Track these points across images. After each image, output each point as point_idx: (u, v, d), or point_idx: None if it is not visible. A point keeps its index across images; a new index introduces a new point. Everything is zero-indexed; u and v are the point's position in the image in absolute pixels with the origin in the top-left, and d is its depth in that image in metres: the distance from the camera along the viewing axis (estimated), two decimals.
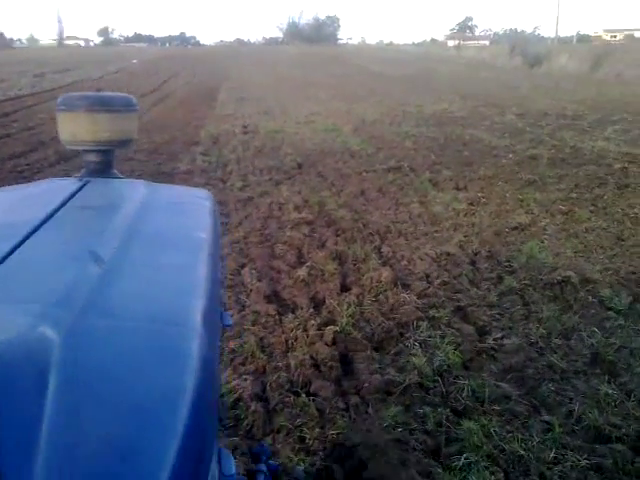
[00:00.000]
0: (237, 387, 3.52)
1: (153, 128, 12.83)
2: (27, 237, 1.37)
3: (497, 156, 10.25)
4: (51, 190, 2.00)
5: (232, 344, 4.05)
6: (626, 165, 9.47)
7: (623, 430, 3.14)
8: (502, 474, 2.79)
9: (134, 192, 1.94)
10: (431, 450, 3.01)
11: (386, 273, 5.07)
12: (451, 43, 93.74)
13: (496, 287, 4.98)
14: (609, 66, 31.59)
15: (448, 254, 5.66)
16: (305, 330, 4.22)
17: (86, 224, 1.65)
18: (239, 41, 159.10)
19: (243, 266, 5.39)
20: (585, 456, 2.93)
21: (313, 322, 4.31)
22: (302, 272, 5.14)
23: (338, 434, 3.11)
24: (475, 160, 9.86)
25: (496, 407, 3.36)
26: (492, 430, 3.11)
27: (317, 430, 3.16)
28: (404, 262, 5.50)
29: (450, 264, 5.47)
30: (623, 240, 6.12)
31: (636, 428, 3.16)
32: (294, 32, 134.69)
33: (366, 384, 3.55)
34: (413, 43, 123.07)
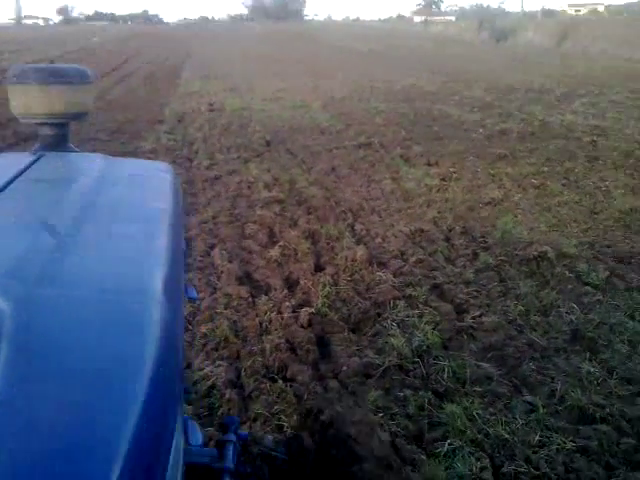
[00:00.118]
0: (210, 374, 3.38)
1: (116, 107, 12.49)
2: None
3: (467, 131, 10.18)
4: (3, 164, 1.94)
5: (204, 328, 3.90)
6: (595, 138, 9.47)
7: (607, 410, 3.08)
8: (488, 460, 2.71)
9: (91, 165, 1.91)
10: (414, 435, 2.92)
11: (361, 252, 4.95)
12: (417, 19, 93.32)
13: (472, 264, 4.90)
14: (575, 40, 31.77)
15: (422, 231, 5.56)
16: (279, 312, 4.09)
17: (40, 196, 1.62)
18: (203, 19, 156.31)
19: (213, 247, 5.23)
20: (570, 438, 2.86)
21: (287, 304, 4.18)
22: (274, 252, 5.00)
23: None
24: (445, 135, 9.77)
25: (478, 388, 3.28)
26: (475, 413, 3.02)
27: (295, 417, 3.05)
28: (378, 240, 5.39)
29: (425, 241, 5.38)
30: (596, 214, 6.09)
31: (620, 407, 3.10)
32: (259, 9, 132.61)
33: (344, 367, 3.44)
34: (379, 19, 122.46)
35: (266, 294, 4.37)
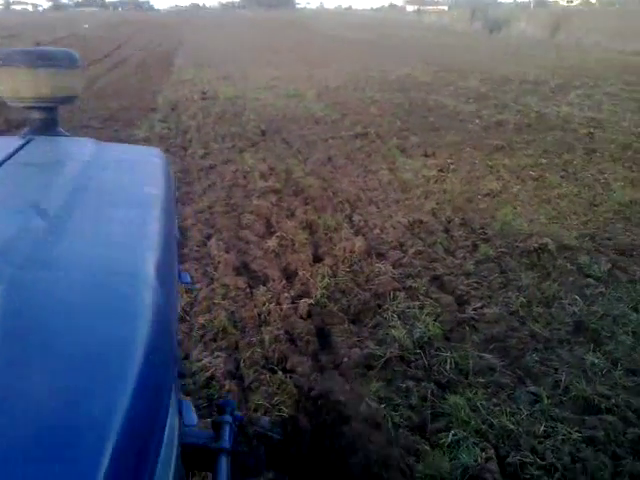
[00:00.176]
0: (209, 365, 3.32)
1: (108, 94, 12.35)
2: None
3: (463, 121, 10.12)
4: None
5: (201, 319, 3.84)
6: (592, 130, 9.44)
7: (612, 400, 3.04)
8: (492, 450, 2.66)
9: (81, 149, 1.91)
10: (417, 426, 2.87)
11: (359, 243, 4.89)
12: (410, 8, 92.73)
13: (472, 255, 4.85)
14: (568, 32, 31.72)
15: (421, 222, 5.51)
16: (278, 303, 4.03)
17: (29, 180, 1.60)
18: (195, 5, 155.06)
19: (209, 237, 5.15)
20: (576, 428, 2.82)
21: (286, 295, 4.12)
22: (272, 243, 4.93)
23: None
24: (442, 126, 9.70)
25: (481, 379, 3.23)
26: (479, 404, 2.98)
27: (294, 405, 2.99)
28: (377, 231, 5.33)
29: (424, 232, 5.32)
30: (596, 206, 6.05)
31: (625, 398, 3.07)
32: None
33: (345, 359, 3.39)
34: (372, 8, 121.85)
35: (264, 285, 4.31)
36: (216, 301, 4.06)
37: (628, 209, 5.91)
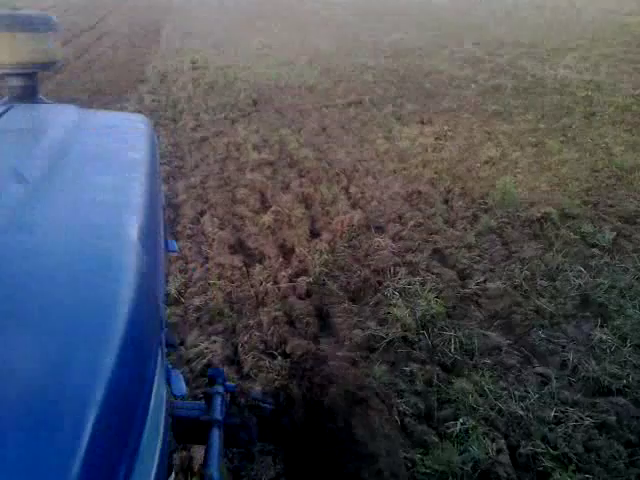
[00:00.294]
0: (205, 350, 3.20)
1: (95, 67, 12.03)
2: None
3: (459, 87, 9.89)
4: None
5: (197, 301, 3.72)
6: (590, 93, 9.23)
7: (623, 381, 2.95)
8: (503, 440, 2.57)
9: (63, 116, 1.88)
10: (423, 414, 2.77)
11: (357, 216, 4.76)
12: None
13: (473, 226, 4.73)
14: None
15: (419, 192, 5.36)
16: (276, 282, 3.91)
17: (10, 147, 1.55)
18: None
19: (202, 213, 5.01)
20: (587, 413, 2.73)
21: (284, 273, 4.00)
22: (267, 218, 4.79)
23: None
24: (438, 92, 9.48)
25: (487, 360, 3.14)
26: (486, 388, 2.89)
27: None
28: (374, 203, 5.18)
29: (423, 203, 5.19)
30: (597, 171, 5.90)
31: (636, 378, 2.98)
32: None
33: (346, 341, 3.28)
34: None
35: (260, 263, 4.19)
36: (211, 281, 3.94)
37: (630, 174, 5.77)
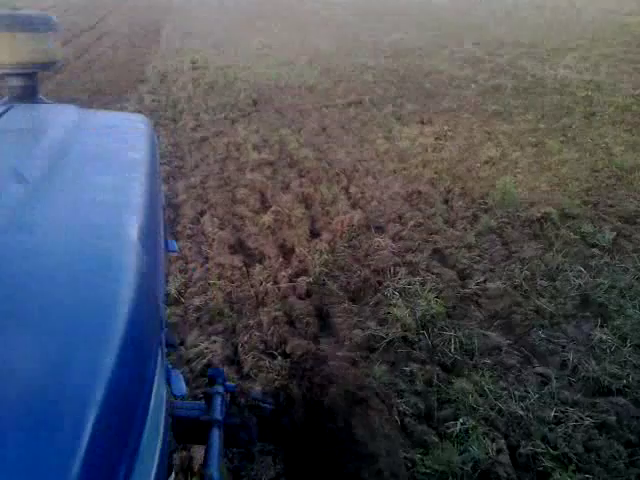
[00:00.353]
0: (205, 351, 3.20)
1: (95, 67, 12.03)
2: None
3: (459, 87, 9.89)
4: None
5: (197, 301, 3.72)
6: (590, 93, 9.23)
7: (623, 381, 2.95)
8: (503, 440, 2.56)
9: (63, 116, 1.88)
10: (423, 414, 2.77)
11: (357, 216, 4.76)
12: None
13: (473, 227, 4.73)
14: None
15: (420, 192, 5.36)
16: (276, 282, 3.91)
17: (10, 147, 1.55)
18: None
19: (202, 213, 5.01)
20: (587, 413, 2.73)
21: (284, 273, 4.00)
22: (267, 218, 4.79)
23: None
24: (438, 92, 9.48)
25: (486, 360, 3.14)
26: (486, 388, 2.89)
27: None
28: (374, 203, 5.18)
29: (423, 203, 5.18)
30: (597, 171, 5.90)
31: (636, 378, 2.98)
32: None
33: (346, 341, 3.28)
34: None
35: (260, 263, 4.19)
36: (211, 281, 3.94)
37: (630, 174, 5.77)
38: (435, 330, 3.38)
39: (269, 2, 27.36)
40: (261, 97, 9.23)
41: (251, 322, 3.47)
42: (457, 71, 11.19)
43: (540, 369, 3.08)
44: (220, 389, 1.84)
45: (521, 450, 2.53)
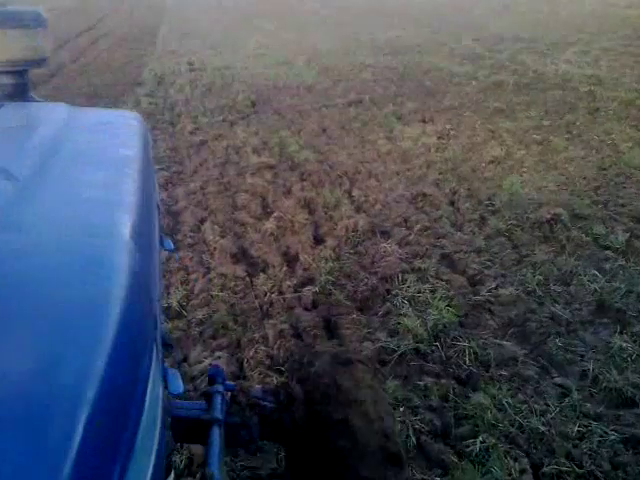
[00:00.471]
0: (210, 366, 3.07)
1: (92, 70, 11.91)
2: None
3: (460, 84, 9.76)
4: None
5: (199, 314, 3.60)
6: (592, 88, 9.09)
7: None
8: (526, 458, 2.44)
9: (55, 114, 1.85)
10: (440, 432, 2.65)
11: (362, 221, 4.64)
12: None
13: (481, 229, 4.60)
14: None
15: (424, 195, 5.24)
16: (280, 293, 3.79)
17: (1, 145, 1.54)
18: None
19: (203, 221, 4.88)
20: (612, 427, 2.61)
21: (288, 283, 3.88)
22: (270, 224, 4.66)
23: None
24: (438, 90, 9.35)
25: (503, 372, 3.01)
26: (504, 402, 2.76)
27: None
28: (378, 206, 5.06)
29: (428, 206, 5.06)
30: (605, 169, 5.78)
31: None
32: None
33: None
34: None
35: (264, 272, 4.06)
36: (214, 293, 3.82)
37: (639, 172, 5.64)
38: (448, 341, 3.25)
39: (266, 1, 27.22)
40: (260, 98, 9.10)
41: (256, 336, 3.35)
42: (457, 68, 11.05)
43: (559, 380, 2.96)
44: (220, 388, 1.81)
45: (545, 469, 2.41)
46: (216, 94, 9.51)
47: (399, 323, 3.41)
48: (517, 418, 2.66)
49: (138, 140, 1.70)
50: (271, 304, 3.67)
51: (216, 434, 1.61)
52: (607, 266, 3.96)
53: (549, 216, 4.61)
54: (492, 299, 3.65)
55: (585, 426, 2.62)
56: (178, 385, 1.30)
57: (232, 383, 2.02)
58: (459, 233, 4.55)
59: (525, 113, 7.86)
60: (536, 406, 2.74)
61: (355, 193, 5.34)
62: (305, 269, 4.07)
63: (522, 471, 2.37)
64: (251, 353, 3.18)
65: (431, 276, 3.92)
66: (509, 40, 14.47)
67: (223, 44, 14.84)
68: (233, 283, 3.89)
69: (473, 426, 2.64)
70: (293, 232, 4.60)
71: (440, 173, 5.78)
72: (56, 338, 0.73)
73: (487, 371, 3.02)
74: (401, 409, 2.72)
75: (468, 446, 2.52)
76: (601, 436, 2.55)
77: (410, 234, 4.50)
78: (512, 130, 7.10)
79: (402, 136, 7.00)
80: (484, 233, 4.52)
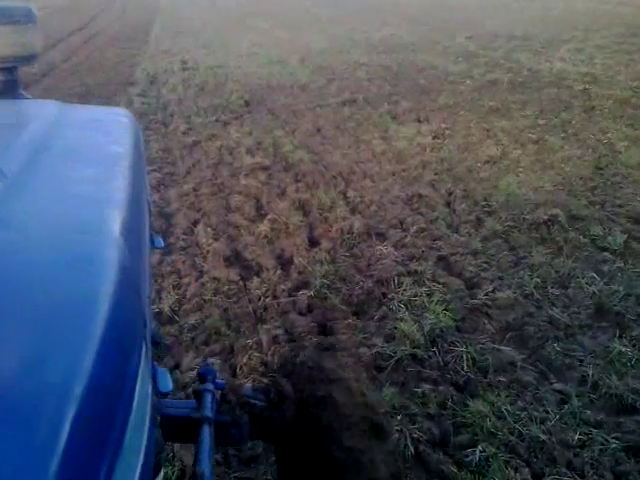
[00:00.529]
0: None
1: (84, 69, 11.81)
2: None
3: (454, 82, 9.71)
4: None
5: (192, 319, 3.54)
6: (587, 86, 9.06)
7: None
8: (527, 468, 2.39)
9: (44, 111, 1.84)
10: (438, 440, 2.59)
11: (357, 223, 4.58)
12: None
13: (477, 231, 4.55)
14: None
15: (420, 196, 5.18)
16: (275, 297, 3.73)
17: None
18: None
19: (196, 223, 4.82)
20: (613, 434, 2.56)
21: (283, 287, 3.81)
22: (263, 227, 4.60)
23: None
24: (433, 88, 9.29)
25: (501, 378, 2.96)
26: (503, 409, 2.71)
27: None
28: (374, 208, 5.00)
29: (424, 207, 5.00)
30: (601, 169, 5.73)
31: None
32: None
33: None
34: None
35: (258, 275, 4.00)
36: (207, 297, 3.76)
37: (636, 172, 5.60)
38: (445, 346, 3.20)
39: (259, 1, 27.12)
40: (253, 97, 9.03)
41: (250, 342, 3.28)
42: (451, 66, 11.00)
43: (558, 385, 2.91)
44: (210, 386, 1.80)
45: (546, 479, 2.35)
46: (209, 93, 9.44)
47: (395, 328, 3.35)
48: (517, 426, 2.61)
49: (129, 137, 1.69)
50: (265, 309, 3.61)
51: (206, 433, 1.60)
52: (605, 268, 3.91)
53: (546, 217, 4.57)
54: (489, 302, 3.60)
55: (586, 434, 2.57)
56: (167, 384, 1.30)
57: (222, 381, 1.99)
58: (455, 235, 4.49)
59: (520, 112, 7.81)
60: (536, 413, 2.69)
61: (350, 194, 5.28)
62: (300, 272, 4.01)
63: None
64: (244, 360, 3.12)
65: (427, 279, 3.87)
66: (503, 38, 14.43)
67: (216, 43, 14.75)
68: (226, 287, 3.83)
69: (472, 435, 2.59)
70: (287, 234, 4.54)
71: (436, 173, 5.73)
72: (43, 335, 0.73)
73: (485, 377, 2.97)
74: (399, 417, 2.66)
75: (467, 456, 2.47)
76: (602, 444, 2.51)
77: (406, 236, 4.45)
78: (507, 129, 7.05)
79: (397, 136, 6.95)
80: (480, 235, 4.46)
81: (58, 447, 0.61)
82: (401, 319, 3.42)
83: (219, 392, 1.91)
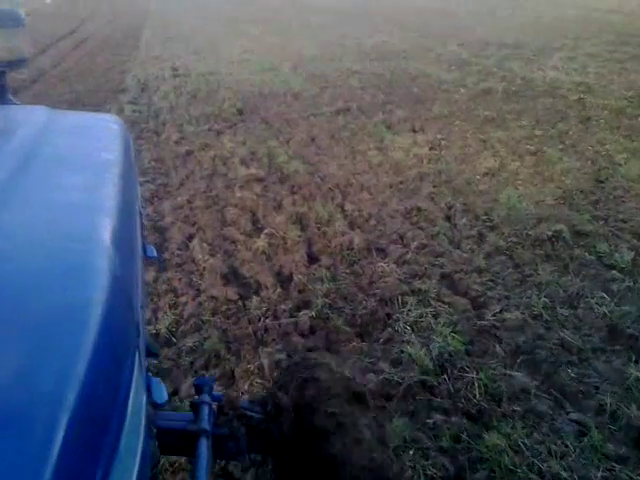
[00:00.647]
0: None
1: (74, 75, 11.62)
2: None
3: (448, 91, 9.63)
4: None
5: (190, 341, 3.39)
6: (582, 96, 9.01)
7: None
8: None
9: (33, 117, 1.80)
10: (454, 478, 2.46)
11: (357, 238, 4.46)
12: None
13: (480, 247, 4.43)
14: None
15: (419, 209, 5.07)
16: (275, 317, 3.59)
17: None
18: None
19: (191, 237, 4.67)
20: (638, 471, 2.44)
21: (283, 306, 3.68)
22: (261, 242, 4.47)
23: None
24: (427, 97, 9.21)
25: (516, 407, 2.84)
26: (520, 442, 2.59)
27: None
28: (373, 222, 4.88)
29: (423, 221, 4.89)
30: (602, 182, 5.64)
31: None
32: None
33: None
34: None
35: (257, 294, 3.87)
36: (205, 317, 3.62)
37: (637, 184, 5.51)
38: (455, 372, 3.07)
39: (247, 5, 27.01)
40: (246, 106, 8.90)
41: (251, 367, 3.15)
42: (445, 74, 10.93)
43: (575, 415, 2.78)
44: (207, 398, 1.77)
45: None
46: (201, 101, 9.29)
47: (402, 351, 3.23)
48: (536, 461, 2.49)
49: (119, 144, 1.66)
50: (266, 330, 3.47)
51: (204, 445, 1.57)
52: (614, 287, 3.81)
53: (550, 233, 4.46)
54: (497, 324, 3.48)
55: (609, 470, 2.45)
56: (162, 395, 1.29)
57: (219, 394, 1.99)
58: (458, 251, 4.38)
59: (516, 122, 7.74)
60: (554, 447, 2.57)
61: (348, 207, 5.16)
62: (300, 291, 3.87)
63: None
64: (246, 386, 2.99)
65: (432, 298, 3.75)
66: (494, 45, 14.40)
67: (207, 49, 14.61)
68: (225, 307, 3.69)
69: (489, 471, 2.46)
70: (286, 250, 4.41)
71: (434, 186, 5.62)
72: (35, 344, 0.72)
73: (499, 406, 2.84)
74: (411, 452, 2.54)
75: None
76: None
77: (407, 252, 4.33)
78: (504, 140, 6.97)
79: (393, 146, 6.84)
80: (484, 251, 4.35)
81: (51, 456, 0.59)
82: (408, 342, 3.30)
83: (216, 404, 1.90)
